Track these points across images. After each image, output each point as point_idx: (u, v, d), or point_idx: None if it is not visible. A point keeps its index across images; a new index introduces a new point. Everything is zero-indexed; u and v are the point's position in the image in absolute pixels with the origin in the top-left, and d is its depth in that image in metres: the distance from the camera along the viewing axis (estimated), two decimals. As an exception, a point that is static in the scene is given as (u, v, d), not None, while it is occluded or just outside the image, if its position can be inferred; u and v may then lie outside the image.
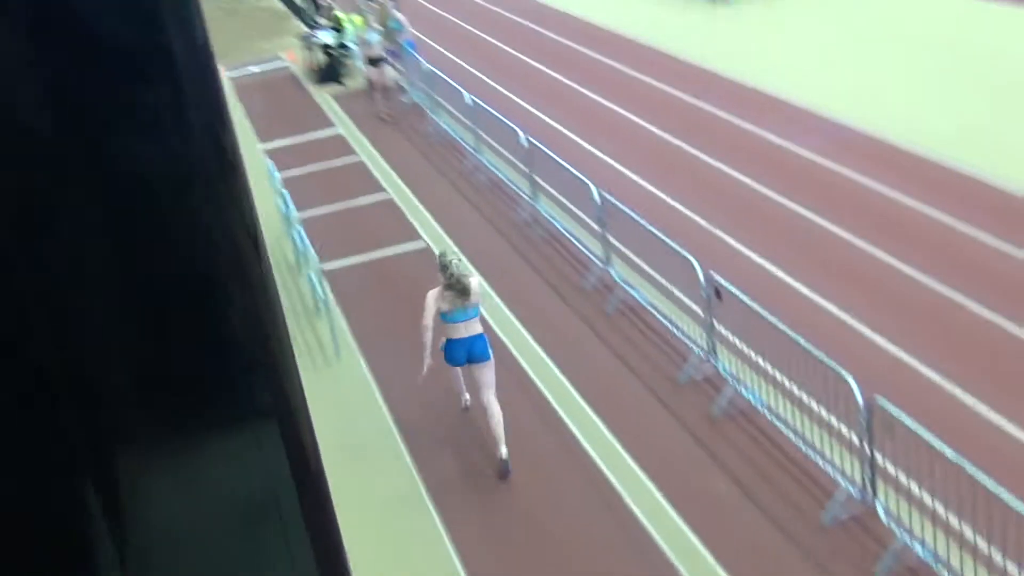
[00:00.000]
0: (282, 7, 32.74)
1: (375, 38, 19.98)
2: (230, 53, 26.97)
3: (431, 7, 29.63)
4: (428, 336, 9.66)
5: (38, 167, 1.96)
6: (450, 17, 28.28)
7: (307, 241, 12.90)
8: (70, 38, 1.92)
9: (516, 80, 21.49)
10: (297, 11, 30.91)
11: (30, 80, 1.92)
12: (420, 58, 20.01)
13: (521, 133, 14.94)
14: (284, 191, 14.40)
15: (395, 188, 16.73)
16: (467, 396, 10.56)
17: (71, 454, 2.17)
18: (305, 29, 26.86)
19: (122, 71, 1.94)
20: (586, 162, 15.69)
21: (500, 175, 16.20)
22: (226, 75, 24.85)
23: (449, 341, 9.84)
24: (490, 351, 9.87)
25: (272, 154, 18.10)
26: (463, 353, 9.80)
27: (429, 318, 9.65)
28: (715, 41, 21.94)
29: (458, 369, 10.14)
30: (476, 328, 9.79)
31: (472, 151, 17.28)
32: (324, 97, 22.33)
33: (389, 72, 20.03)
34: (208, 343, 2.15)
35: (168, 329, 2.14)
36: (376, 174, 17.50)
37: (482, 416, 9.99)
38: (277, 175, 15.10)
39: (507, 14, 27.51)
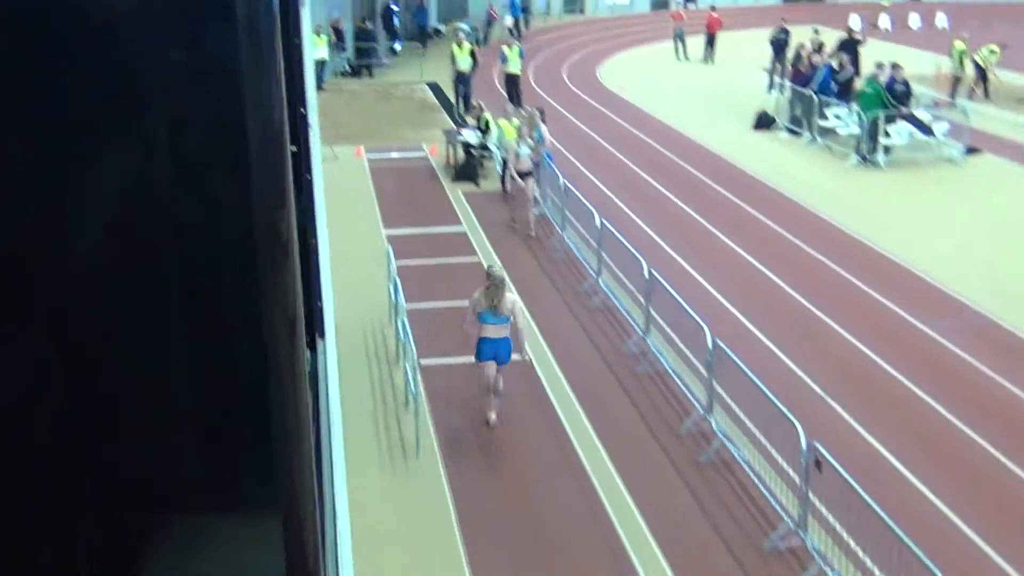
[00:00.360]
0: (434, 99, 33.36)
1: (525, 151, 19.65)
2: (374, 136, 27.50)
3: (574, 120, 29.81)
4: (468, 322, 11.95)
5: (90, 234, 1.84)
6: (593, 135, 28.36)
7: (410, 333, 12.72)
8: (149, 114, 1.83)
9: (649, 209, 21.28)
10: (448, 106, 31.44)
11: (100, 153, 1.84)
12: (558, 171, 19.95)
13: (645, 264, 14.65)
14: (396, 279, 14.30)
15: (508, 296, 16.51)
16: (493, 416, 12.23)
17: (72, 531, 2.03)
18: (451, 125, 27.22)
19: (191, 150, 1.84)
20: (707, 305, 15.27)
21: (615, 302, 15.90)
22: (366, 156, 25.26)
23: (481, 339, 11.80)
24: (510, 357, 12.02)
25: (393, 240, 18.12)
26: (491, 351, 11.84)
27: (471, 313, 11.84)
28: (861, 206, 21.42)
29: (489, 388, 12.07)
30: (504, 332, 11.82)
31: (592, 272, 17.03)
32: (457, 194, 22.41)
33: (531, 185, 19.78)
34: (221, 433, 2.02)
35: (181, 412, 2.00)
36: (492, 278, 17.34)
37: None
38: (394, 263, 15.04)
39: (652, 142, 27.49)
